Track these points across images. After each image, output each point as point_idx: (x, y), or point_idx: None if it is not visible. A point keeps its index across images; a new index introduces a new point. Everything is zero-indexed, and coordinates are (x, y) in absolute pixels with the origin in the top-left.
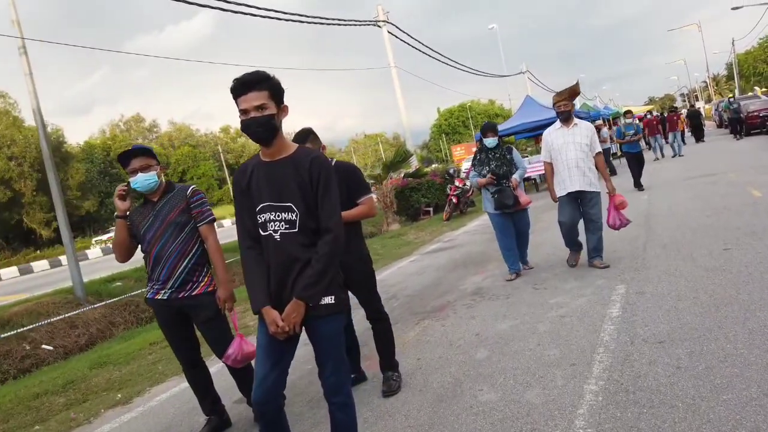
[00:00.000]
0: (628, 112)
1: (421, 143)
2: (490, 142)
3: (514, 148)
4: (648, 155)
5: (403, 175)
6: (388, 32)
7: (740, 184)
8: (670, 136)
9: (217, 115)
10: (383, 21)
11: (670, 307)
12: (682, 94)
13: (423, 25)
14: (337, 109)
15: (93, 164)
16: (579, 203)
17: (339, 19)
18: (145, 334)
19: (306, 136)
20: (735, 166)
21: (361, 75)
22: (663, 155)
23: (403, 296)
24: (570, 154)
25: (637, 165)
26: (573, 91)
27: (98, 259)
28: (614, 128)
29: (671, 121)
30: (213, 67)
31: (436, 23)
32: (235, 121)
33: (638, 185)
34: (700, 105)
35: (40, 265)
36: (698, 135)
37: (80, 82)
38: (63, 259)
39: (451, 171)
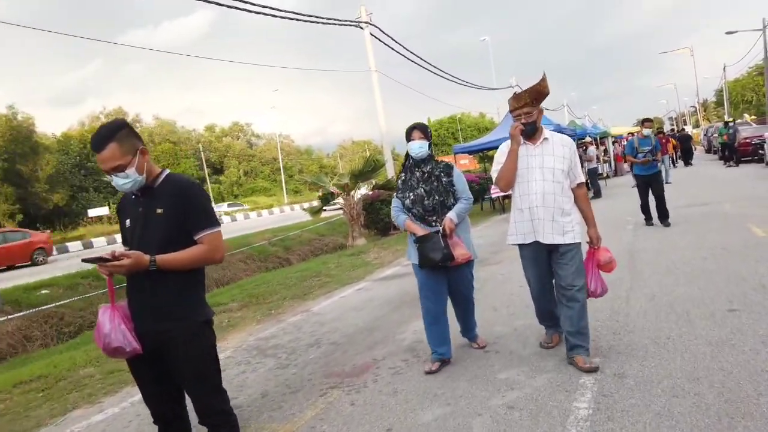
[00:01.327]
0: (647, 121)
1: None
2: (416, 148)
3: (455, 167)
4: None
5: (373, 185)
6: (371, 34)
7: (738, 218)
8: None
9: (209, 113)
10: (365, 22)
11: (660, 409)
12: (670, 118)
13: (417, 36)
14: (330, 113)
15: (68, 156)
16: (549, 258)
17: (319, 17)
18: (71, 351)
19: (113, 132)
20: (729, 196)
21: (353, 80)
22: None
23: (326, 343)
24: (536, 185)
25: (651, 191)
26: (537, 92)
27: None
28: (624, 142)
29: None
30: (206, 65)
31: (430, 34)
32: (222, 120)
33: (663, 217)
34: (688, 129)
35: None
36: (687, 158)
37: (73, 72)
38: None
39: None
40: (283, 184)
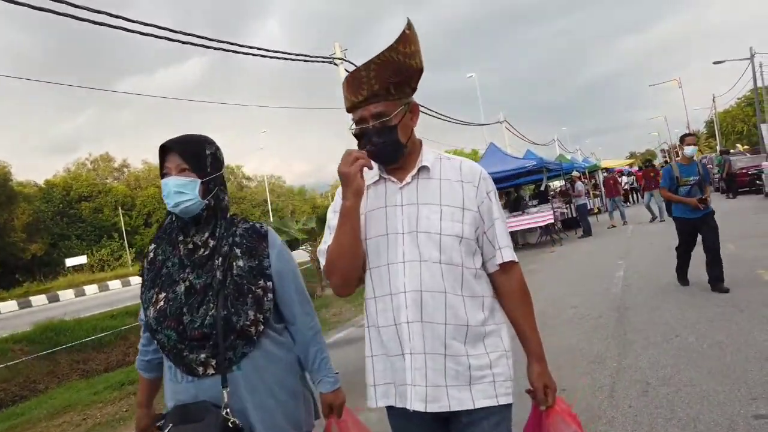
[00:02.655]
0: (688, 136)
1: None
2: (172, 187)
3: (272, 234)
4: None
5: None
6: (346, 71)
7: (745, 262)
8: (646, 195)
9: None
10: (339, 59)
11: None
12: (662, 150)
13: None
14: (324, 153)
15: (50, 204)
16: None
17: (295, 54)
18: None
19: None
20: (732, 234)
21: (347, 120)
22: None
23: None
24: (402, 274)
25: (703, 240)
26: (393, 64)
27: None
28: (662, 169)
29: (648, 178)
30: (200, 111)
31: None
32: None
33: (717, 279)
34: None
35: (7, 305)
36: None
37: (67, 121)
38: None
39: None
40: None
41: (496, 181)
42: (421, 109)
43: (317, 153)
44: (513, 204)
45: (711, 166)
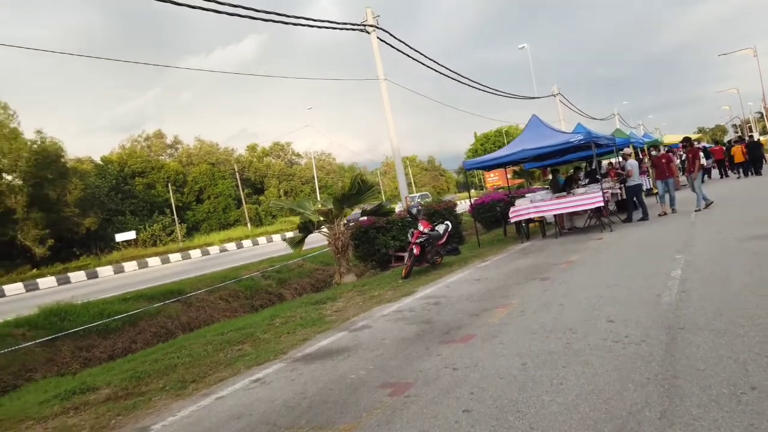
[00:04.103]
0: None
1: (457, 168)
2: None
3: None
4: (682, 195)
5: (360, 212)
6: (378, 38)
7: None
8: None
9: (262, 135)
10: (371, 26)
11: None
12: (734, 125)
13: (457, 53)
14: (381, 131)
15: (105, 180)
16: None
17: (324, 21)
18: None
19: None
20: None
21: (404, 98)
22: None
23: None
24: None
25: None
26: None
27: (70, 285)
28: (681, 152)
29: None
30: (259, 87)
31: (470, 52)
32: (270, 140)
33: None
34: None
35: (46, 282)
36: (757, 168)
37: (133, 100)
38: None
39: (414, 210)
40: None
41: (539, 157)
42: (470, 83)
43: (371, 131)
44: (557, 184)
45: None
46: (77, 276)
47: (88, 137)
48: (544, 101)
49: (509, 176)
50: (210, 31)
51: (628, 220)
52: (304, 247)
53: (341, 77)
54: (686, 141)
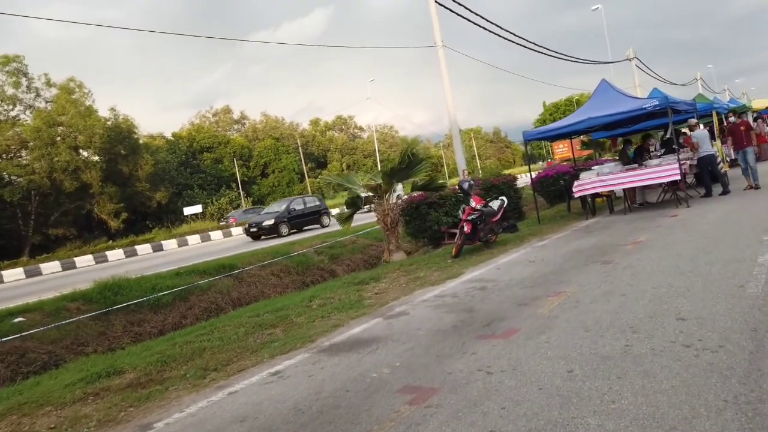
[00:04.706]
0: None
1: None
2: None
3: None
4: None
5: (411, 188)
6: (436, 2)
7: None
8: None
9: (328, 108)
10: None
11: None
12: None
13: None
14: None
15: (175, 155)
16: None
17: None
18: None
19: None
20: None
21: (469, 69)
22: None
23: None
24: None
25: None
26: None
27: (107, 263)
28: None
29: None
30: (324, 61)
31: (548, 14)
32: (335, 113)
33: None
34: None
35: (115, 254)
36: None
37: (205, 77)
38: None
39: (466, 185)
40: (368, 179)
41: (608, 126)
42: (534, 48)
43: (436, 103)
44: (628, 155)
45: None
46: (143, 249)
47: (163, 114)
48: (618, 67)
49: (578, 147)
50: (279, 6)
51: (708, 194)
52: (355, 224)
53: (400, 46)
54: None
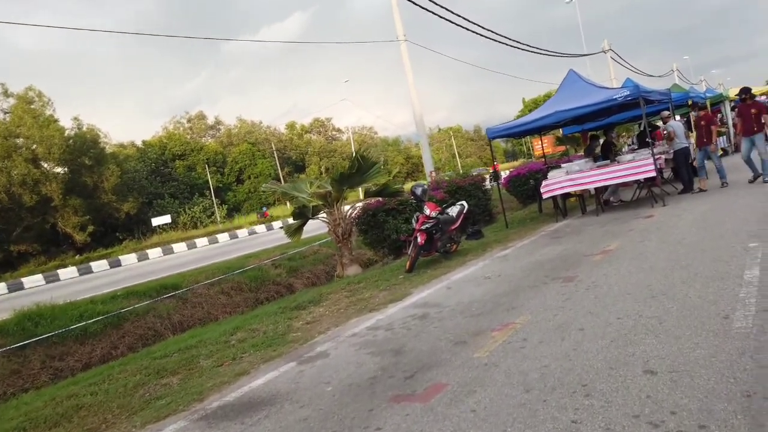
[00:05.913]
0: None
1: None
2: None
3: None
4: (736, 175)
5: (363, 195)
6: None
7: None
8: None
9: (308, 112)
10: None
11: None
12: None
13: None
14: (430, 101)
15: (145, 164)
16: None
17: None
18: None
19: None
20: None
21: (452, 68)
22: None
23: None
24: None
25: None
26: None
27: (91, 276)
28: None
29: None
30: (306, 64)
31: (526, 12)
32: (316, 116)
33: None
34: None
35: (68, 272)
36: None
37: (187, 82)
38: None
39: (419, 190)
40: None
41: (577, 119)
42: (513, 44)
43: (424, 100)
44: (595, 151)
45: None
46: (99, 265)
47: (144, 122)
48: (596, 61)
49: (552, 143)
50: (258, 11)
51: (686, 190)
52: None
53: (365, 41)
54: (745, 92)
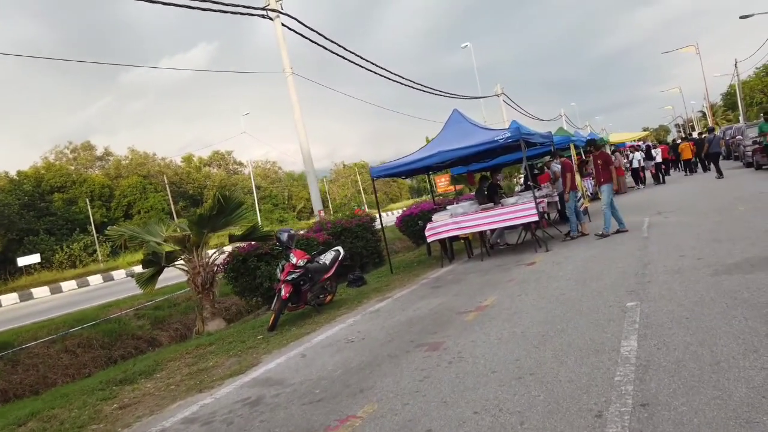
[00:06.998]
0: None
1: None
2: None
3: None
4: (629, 199)
5: (229, 239)
6: (283, 25)
7: None
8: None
9: (213, 143)
10: (274, 10)
11: None
12: (677, 125)
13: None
14: (340, 137)
15: (16, 196)
16: None
17: (224, 3)
18: None
19: None
20: None
21: (359, 106)
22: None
23: None
24: None
25: None
26: None
27: None
28: (628, 151)
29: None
30: (211, 97)
31: (427, 58)
32: (209, 150)
33: None
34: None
35: None
36: (714, 161)
37: (80, 111)
38: None
39: (284, 236)
40: (258, 216)
41: (464, 159)
42: (413, 86)
43: (331, 137)
44: (484, 193)
45: (740, 137)
46: None
47: (18, 152)
48: (491, 103)
49: (447, 183)
50: (159, 43)
51: (569, 234)
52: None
53: (254, 72)
54: (590, 144)
